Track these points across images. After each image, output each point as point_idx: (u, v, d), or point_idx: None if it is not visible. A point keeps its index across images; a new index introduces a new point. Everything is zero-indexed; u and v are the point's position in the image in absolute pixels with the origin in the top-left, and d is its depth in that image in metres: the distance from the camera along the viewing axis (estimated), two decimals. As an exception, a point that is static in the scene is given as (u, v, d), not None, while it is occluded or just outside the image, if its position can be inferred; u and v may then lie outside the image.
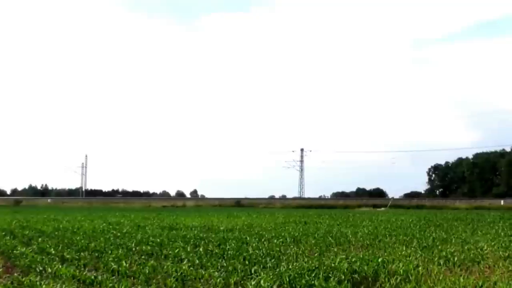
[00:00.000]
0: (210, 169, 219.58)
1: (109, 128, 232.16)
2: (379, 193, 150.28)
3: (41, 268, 11.82)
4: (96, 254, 14.61)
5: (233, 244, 16.24)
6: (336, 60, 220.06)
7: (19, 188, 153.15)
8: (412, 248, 15.13)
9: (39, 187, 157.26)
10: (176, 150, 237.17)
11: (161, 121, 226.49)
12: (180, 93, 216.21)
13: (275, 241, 17.58)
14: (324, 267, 11.14)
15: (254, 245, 16.17)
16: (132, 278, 10.76)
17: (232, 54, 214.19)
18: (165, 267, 11.70)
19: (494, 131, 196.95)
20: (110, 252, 14.77)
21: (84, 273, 11.17)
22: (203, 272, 10.90)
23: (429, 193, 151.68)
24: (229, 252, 14.35)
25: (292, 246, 15.89)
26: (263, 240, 18.03)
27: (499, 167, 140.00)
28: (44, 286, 9.82)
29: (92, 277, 10.62)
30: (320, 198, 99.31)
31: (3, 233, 21.64)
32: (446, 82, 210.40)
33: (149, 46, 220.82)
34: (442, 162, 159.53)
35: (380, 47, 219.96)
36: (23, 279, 10.45)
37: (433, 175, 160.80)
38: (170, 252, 14.50)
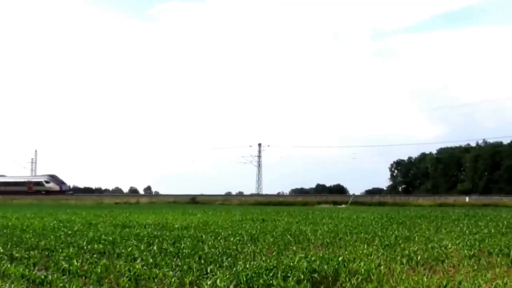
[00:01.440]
0: (164, 165, 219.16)
1: (60, 123, 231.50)
2: (339, 190, 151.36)
3: (-12, 268, 11.70)
4: (46, 253, 14.50)
5: (188, 243, 16.25)
6: (294, 51, 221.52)
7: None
8: (374, 247, 15.29)
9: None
10: (130, 145, 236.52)
11: (114, 115, 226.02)
12: (134, 86, 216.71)
13: (232, 239, 17.62)
14: (283, 266, 11.20)
15: (210, 243, 16.20)
16: (83, 277, 10.73)
17: (187, 45, 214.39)
18: (117, 266, 11.70)
19: (459, 125, 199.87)
20: (60, 250, 14.67)
21: (34, 272, 11.11)
22: (157, 272, 10.93)
23: (392, 189, 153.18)
24: (184, 250, 14.35)
25: (249, 245, 15.93)
26: (219, 238, 18.06)
27: (464, 163, 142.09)
28: (-9, 286, 9.77)
29: (42, 276, 10.57)
30: (278, 194, 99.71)
31: None
32: (409, 74, 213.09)
33: (102, 38, 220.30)
34: (405, 158, 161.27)
35: (339, 38, 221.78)
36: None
37: (396, 171, 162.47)
38: (123, 250, 14.47)
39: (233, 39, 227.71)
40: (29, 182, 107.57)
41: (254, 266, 11.21)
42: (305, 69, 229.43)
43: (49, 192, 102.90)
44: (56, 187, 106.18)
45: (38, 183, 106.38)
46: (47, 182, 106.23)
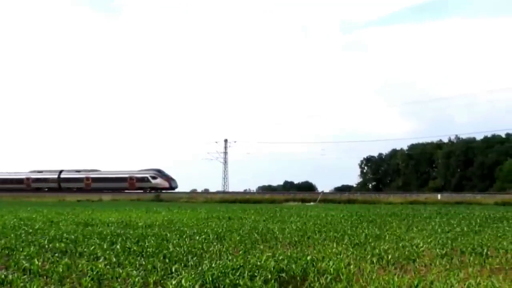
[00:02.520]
0: (124, 162, 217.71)
1: (18, 118, 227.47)
2: (308, 187, 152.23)
3: None
4: (7, 252, 14.46)
5: (152, 241, 16.25)
6: (262, 45, 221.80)
7: None
8: (343, 246, 15.42)
9: None
10: (93, 140, 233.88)
11: (80, 113, 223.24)
12: (100, 79, 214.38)
13: (197, 237, 17.66)
14: (250, 266, 11.28)
15: (174, 242, 16.21)
16: (44, 277, 10.72)
17: (150, 38, 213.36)
18: (80, 265, 11.69)
19: (431, 121, 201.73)
20: (21, 249, 14.60)
21: (-7, 272, 11.05)
22: (121, 271, 10.95)
23: (361, 186, 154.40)
24: (148, 249, 14.38)
25: (215, 243, 15.96)
26: (184, 236, 18.07)
27: (436, 159, 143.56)
28: None
29: (2, 276, 10.53)
30: (245, 192, 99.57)
31: None
32: (380, 68, 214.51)
33: (61, 32, 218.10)
34: (375, 154, 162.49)
35: (308, 32, 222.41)
36: None
37: (366, 167, 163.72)
38: (85, 249, 14.46)
39: (198, 32, 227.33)
40: (131, 178, 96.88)
41: (220, 266, 11.24)
42: (273, 63, 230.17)
43: (155, 189, 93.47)
44: (165, 184, 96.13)
45: (143, 179, 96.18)
46: (153, 177, 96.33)
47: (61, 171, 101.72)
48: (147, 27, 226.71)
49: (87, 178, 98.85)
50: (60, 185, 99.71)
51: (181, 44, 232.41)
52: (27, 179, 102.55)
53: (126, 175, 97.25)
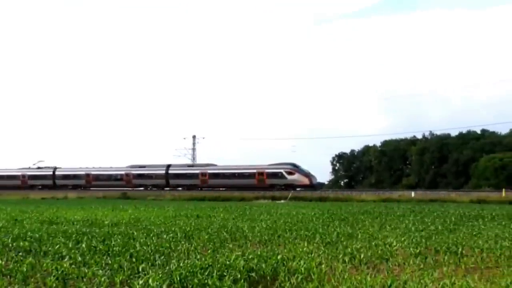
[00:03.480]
0: (94, 158, 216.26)
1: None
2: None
3: None
4: (-32, 251, 14.39)
5: (118, 240, 16.29)
6: (231, 38, 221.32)
7: None
8: (315, 244, 15.60)
9: None
10: (57, 136, 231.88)
11: (37, 105, 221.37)
12: (63, 73, 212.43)
13: (165, 236, 17.72)
14: (219, 265, 11.33)
15: (141, 240, 16.25)
16: (8, 276, 10.73)
17: (114, 30, 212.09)
18: (44, 265, 11.65)
19: (404, 116, 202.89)
20: (-17, 249, 14.57)
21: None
22: (86, 271, 10.94)
23: (333, 184, 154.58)
24: (114, 248, 14.40)
25: (183, 242, 16.03)
26: (151, 235, 18.12)
27: (410, 156, 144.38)
28: None
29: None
30: (214, 189, 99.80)
31: None
32: (353, 62, 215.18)
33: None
34: (347, 150, 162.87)
35: (279, 24, 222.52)
36: None
37: (338, 164, 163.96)
38: (50, 248, 14.43)
39: (164, 26, 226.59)
40: (260, 173, 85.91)
41: (188, 265, 11.29)
42: (242, 56, 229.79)
43: (291, 186, 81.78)
44: (304, 180, 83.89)
45: (275, 175, 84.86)
46: (289, 173, 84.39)
47: (168, 166, 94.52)
48: (114, 19, 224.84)
49: (203, 174, 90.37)
50: (168, 182, 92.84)
51: (149, 37, 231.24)
52: (127, 175, 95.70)
53: (253, 170, 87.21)
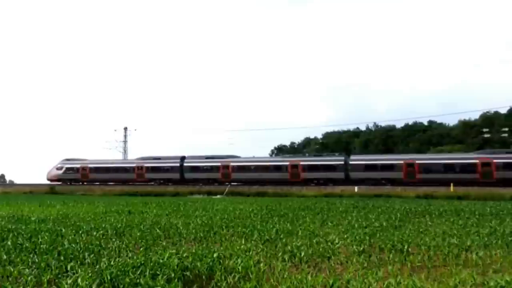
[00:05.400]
0: (20, 151, 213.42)
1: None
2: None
3: None
4: None
5: (46, 237, 16.11)
6: (161, 29, 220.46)
7: None
8: (253, 242, 15.67)
9: None
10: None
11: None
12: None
13: (95, 233, 17.65)
14: (151, 263, 11.30)
15: (70, 238, 16.16)
16: None
17: (35, 20, 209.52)
18: (-34, 264, 11.49)
19: (347, 107, 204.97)
20: None
21: None
22: (12, 269, 10.86)
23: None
24: (41, 246, 14.28)
25: (114, 240, 16.00)
26: (80, 232, 18.02)
27: (353, 149, 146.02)
28: None
29: None
30: (146, 184, 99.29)
31: None
32: (294, 52, 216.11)
33: None
34: (287, 142, 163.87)
35: (211, 12, 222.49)
36: None
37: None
38: (-28, 246, 14.21)
39: (91, 15, 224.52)
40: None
41: (120, 263, 11.26)
42: (177, 47, 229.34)
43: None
44: None
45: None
46: None
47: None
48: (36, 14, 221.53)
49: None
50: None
51: (77, 28, 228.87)
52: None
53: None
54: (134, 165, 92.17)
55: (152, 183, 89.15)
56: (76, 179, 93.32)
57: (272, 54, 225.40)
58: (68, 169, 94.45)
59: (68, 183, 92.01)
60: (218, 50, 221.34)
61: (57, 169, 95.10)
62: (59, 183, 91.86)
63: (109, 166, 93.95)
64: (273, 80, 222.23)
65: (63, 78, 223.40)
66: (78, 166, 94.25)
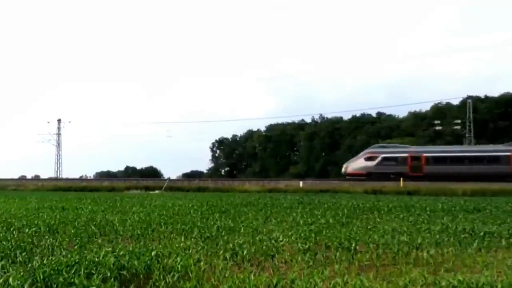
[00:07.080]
0: None
1: None
2: (152, 173, 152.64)
3: None
4: None
5: (-25, 235, 15.94)
6: (92, 16, 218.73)
7: None
8: (192, 239, 15.61)
9: None
10: None
11: None
12: None
13: (27, 230, 17.37)
14: (86, 262, 11.12)
15: (1, 235, 15.99)
16: None
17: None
18: None
19: (292, 98, 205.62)
20: None
21: None
22: None
23: (213, 172, 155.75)
24: (-30, 244, 14.09)
25: (47, 237, 15.79)
26: (11, 229, 17.76)
27: (298, 142, 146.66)
28: None
29: None
30: (81, 178, 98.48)
31: None
32: (231, 40, 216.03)
33: None
34: (229, 135, 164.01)
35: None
36: None
37: (218, 151, 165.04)
38: None
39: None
40: None
41: (53, 262, 11.08)
42: (111, 36, 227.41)
43: None
44: None
45: None
46: None
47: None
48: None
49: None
50: None
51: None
52: None
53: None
54: (509, 153, 73.34)
55: None
56: (401, 173, 74.21)
57: (211, 40, 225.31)
58: (385, 159, 79.01)
59: (391, 177, 72.96)
60: (149, 36, 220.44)
61: (366, 159, 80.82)
62: (362, 178, 76.73)
63: (461, 155, 76.19)
64: (212, 69, 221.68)
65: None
66: (404, 155, 78.64)
